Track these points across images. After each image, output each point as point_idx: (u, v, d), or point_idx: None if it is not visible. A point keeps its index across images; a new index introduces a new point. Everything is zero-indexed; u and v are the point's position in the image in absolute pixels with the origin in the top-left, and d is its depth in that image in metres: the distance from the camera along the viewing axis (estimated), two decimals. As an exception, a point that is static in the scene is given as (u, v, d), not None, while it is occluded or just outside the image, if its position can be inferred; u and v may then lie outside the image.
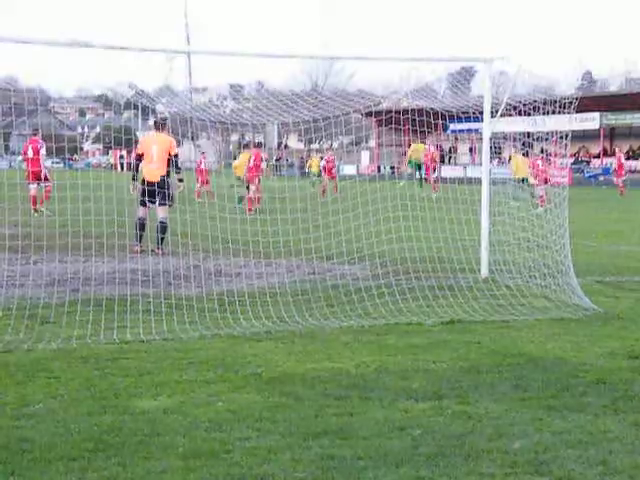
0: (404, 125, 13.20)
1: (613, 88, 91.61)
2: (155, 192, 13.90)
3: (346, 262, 12.40)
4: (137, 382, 6.58)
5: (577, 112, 12.48)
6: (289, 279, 11.41)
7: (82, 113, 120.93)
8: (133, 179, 14.57)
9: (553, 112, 12.03)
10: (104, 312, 9.06)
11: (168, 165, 14.40)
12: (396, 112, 12.90)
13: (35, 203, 20.84)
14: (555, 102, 11.87)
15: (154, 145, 14.56)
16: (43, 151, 22.11)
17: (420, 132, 13.31)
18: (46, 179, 21.72)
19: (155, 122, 15.02)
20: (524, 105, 12.27)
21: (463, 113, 13.17)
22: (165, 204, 14.17)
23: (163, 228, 13.98)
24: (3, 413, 5.80)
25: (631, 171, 60.28)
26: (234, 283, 11.14)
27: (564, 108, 11.76)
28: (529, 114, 12.37)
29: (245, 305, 9.54)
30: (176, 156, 14.57)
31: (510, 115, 12.40)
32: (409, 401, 6.13)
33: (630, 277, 12.54)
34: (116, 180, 12.28)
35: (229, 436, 5.31)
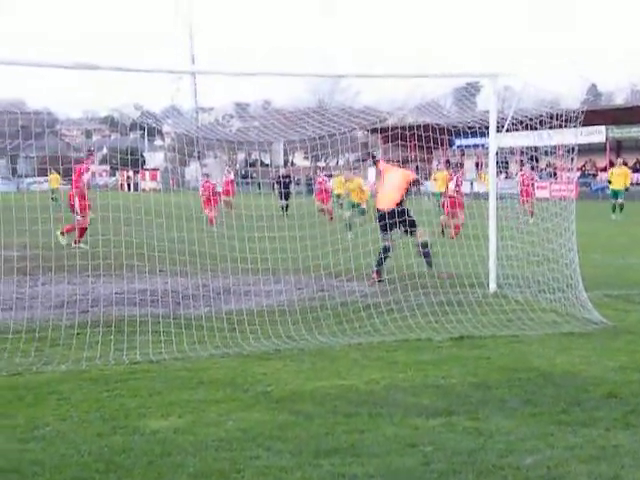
0: (410, 141, 13.21)
1: (619, 101, 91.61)
2: (390, 221, 13.42)
3: (354, 279, 12.40)
4: (147, 402, 6.58)
5: (583, 125, 12.47)
6: (298, 297, 11.41)
7: (89, 135, 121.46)
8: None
9: (559, 126, 12.03)
10: (113, 333, 9.08)
11: (406, 193, 13.96)
12: (402, 128, 12.92)
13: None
14: (561, 116, 11.88)
15: (395, 176, 14.16)
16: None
17: (426, 148, 13.32)
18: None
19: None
20: (530, 119, 12.28)
21: (469, 128, 13.19)
22: (414, 230, 13.71)
23: (425, 253, 13.55)
24: (13, 436, 5.80)
25: (638, 183, 60.36)
26: (243, 302, 11.14)
27: (570, 122, 11.76)
28: (535, 128, 12.37)
29: (254, 324, 9.54)
30: (416, 182, 14.28)
31: (516, 129, 12.41)
32: (419, 417, 6.11)
33: (638, 290, 12.50)
34: (123, 200, 12.29)
35: (240, 455, 5.30)
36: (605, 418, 6.06)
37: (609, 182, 33.65)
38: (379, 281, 12.76)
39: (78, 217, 18.58)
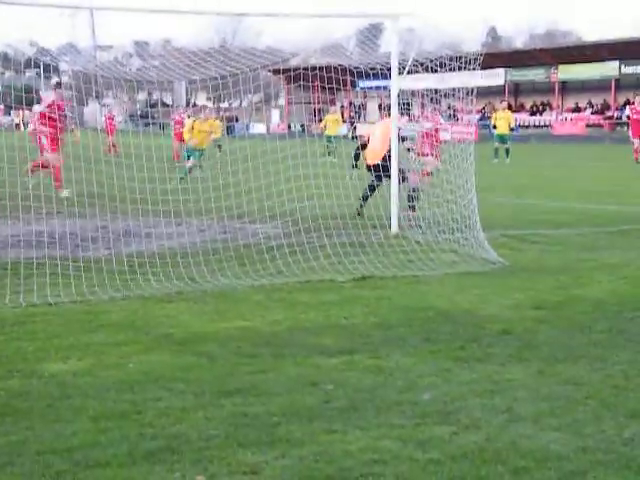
0: (314, 82, 13.17)
1: (518, 44, 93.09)
2: (378, 173, 13.42)
3: (257, 220, 12.38)
4: (45, 345, 6.47)
5: (482, 68, 12.64)
6: (200, 239, 11.33)
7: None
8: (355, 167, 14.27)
9: (459, 68, 12.16)
10: (9, 276, 8.85)
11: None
12: (305, 69, 12.85)
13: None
14: (461, 58, 12.01)
15: (377, 129, 14.21)
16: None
17: (329, 89, 13.30)
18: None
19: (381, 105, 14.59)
20: (431, 61, 12.37)
21: (372, 70, 13.21)
22: (405, 178, 13.44)
23: (409, 196, 13.46)
24: None
25: (535, 126, 61.72)
26: (144, 244, 11.00)
27: (470, 64, 11.91)
28: (436, 71, 12.47)
29: (156, 266, 9.44)
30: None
31: (417, 72, 12.49)
32: (321, 357, 6.18)
33: (534, 230, 12.87)
34: (18, 140, 11.93)
35: (141, 397, 5.27)
36: (500, 354, 6.25)
37: (494, 127, 33.57)
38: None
39: (47, 155, 16.80)
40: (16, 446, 4.47)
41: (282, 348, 6.42)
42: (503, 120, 32.73)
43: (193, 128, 21.97)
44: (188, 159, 21.34)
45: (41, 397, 5.26)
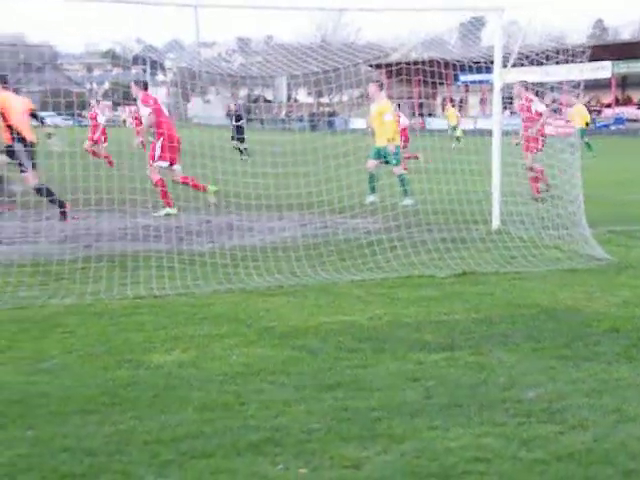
0: (415, 77, 13.07)
1: (625, 36, 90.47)
2: None
3: (358, 215, 12.38)
4: (151, 337, 6.62)
5: (589, 61, 12.33)
6: (301, 233, 11.41)
7: (90, 69, 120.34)
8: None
9: (565, 61, 11.89)
10: (117, 268, 9.10)
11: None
12: (406, 64, 12.77)
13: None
14: (567, 51, 11.74)
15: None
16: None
17: (431, 83, 13.19)
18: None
19: None
20: (536, 55, 12.13)
21: (474, 63, 13.04)
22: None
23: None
24: (19, 368, 5.85)
25: (637, 120, 59.91)
26: (246, 238, 11.14)
27: (576, 57, 11.63)
28: (541, 64, 12.23)
29: (257, 260, 9.56)
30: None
31: (522, 65, 12.27)
32: (422, 352, 6.14)
33: (642, 226, 12.49)
34: (126, 135, 12.22)
35: (243, 389, 5.34)
36: (607, 352, 6.09)
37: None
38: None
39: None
40: (124, 435, 4.58)
41: (383, 343, 6.40)
42: (577, 117, 32.32)
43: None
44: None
45: (148, 387, 5.39)
